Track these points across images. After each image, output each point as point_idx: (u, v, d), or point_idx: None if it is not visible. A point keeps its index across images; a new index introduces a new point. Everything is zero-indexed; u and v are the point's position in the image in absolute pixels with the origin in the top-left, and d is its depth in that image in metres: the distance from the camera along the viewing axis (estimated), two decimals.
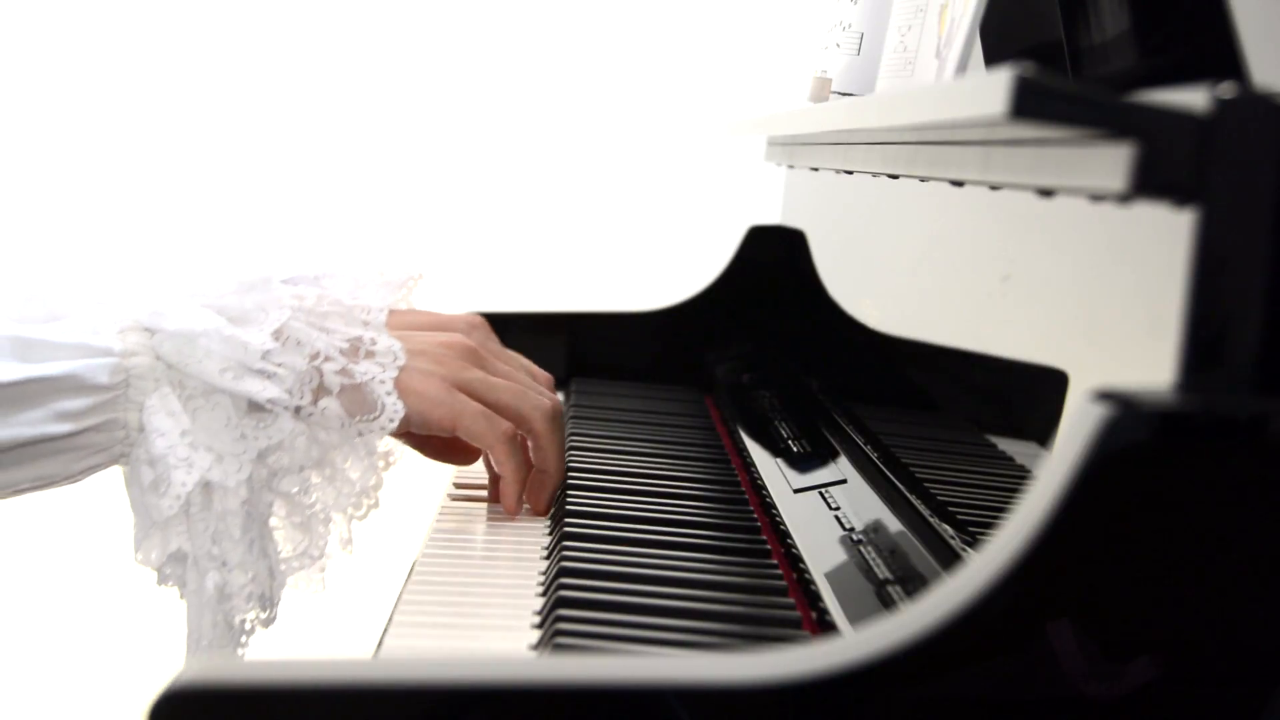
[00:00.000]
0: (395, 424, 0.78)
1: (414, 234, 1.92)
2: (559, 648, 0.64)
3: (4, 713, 1.87)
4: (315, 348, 0.76)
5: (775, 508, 0.86)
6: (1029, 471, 0.64)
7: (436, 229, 1.92)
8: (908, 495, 0.77)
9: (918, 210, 0.87)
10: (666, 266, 1.83)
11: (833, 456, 0.93)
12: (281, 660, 0.46)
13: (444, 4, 1.89)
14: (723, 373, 1.27)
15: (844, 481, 0.87)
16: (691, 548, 0.80)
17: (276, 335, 0.75)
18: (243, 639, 0.77)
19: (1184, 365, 0.46)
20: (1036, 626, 0.46)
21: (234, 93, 1.88)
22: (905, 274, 0.90)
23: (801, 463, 0.94)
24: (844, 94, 0.98)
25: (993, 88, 0.46)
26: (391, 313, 0.82)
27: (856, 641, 0.46)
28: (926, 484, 0.78)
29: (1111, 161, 0.47)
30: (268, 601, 0.77)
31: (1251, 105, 0.45)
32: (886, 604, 0.66)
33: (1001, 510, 0.64)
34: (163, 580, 0.77)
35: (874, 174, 0.91)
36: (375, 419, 0.77)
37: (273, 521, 0.79)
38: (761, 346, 1.29)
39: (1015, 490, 0.64)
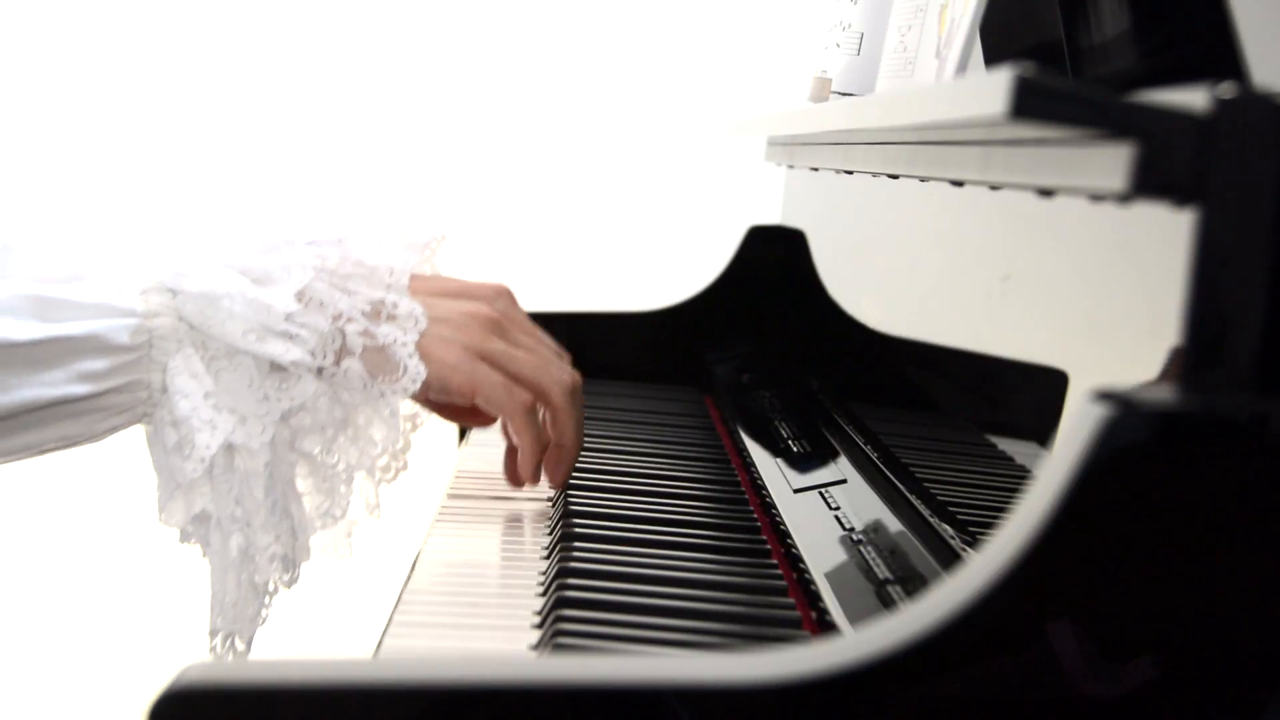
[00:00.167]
0: (417, 386, 0.77)
1: None
2: (559, 648, 0.64)
3: (4, 713, 1.87)
4: (338, 309, 0.76)
5: (775, 508, 0.86)
6: (1029, 471, 0.64)
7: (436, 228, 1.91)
8: (908, 495, 0.77)
9: (918, 210, 0.87)
10: (666, 266, 1.83)
11: (833, 456, 0.93)
12: (281, 660, 0.46)
13: (444, 4, 1.89)
14: (723, 373, 1.27)
15: (844, 481, 0.87)
16: (692, 548, 0.80)
17: (299, 296, 0.75)
18: (266, 599, 0.77)
19: (1184, 365, 0.46)
20: (1036, 626, 0.46)
21: (250, 82, 1.89)
22: (905, 274, 0.90)
23: (801, 463, 0.94)
24: (844, 94, 0.98)
25: (993, 88, 0.46)
26: (416, 278, 0.81)
27: (856, 641, 0.46)
28: (926, 484, 0.78)
29: (1111, 161, 0.47)
30: (290, 563, 0.77)
31: (1251, 105, 0.45)
32: (886, 604, 0.66)
33: (1001, 510, 0.64)
34: (185, 539, 0.77)
35: (874, 174, 0.91)
36: (398, 381, 0.77)
37: (297, 484, 0.78)
38: (761, 346, 1.30)
39: (1015, 490, 0.64)
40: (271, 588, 0.77)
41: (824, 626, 0.68)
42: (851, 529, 0.78)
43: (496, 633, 0.69)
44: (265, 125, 1.89)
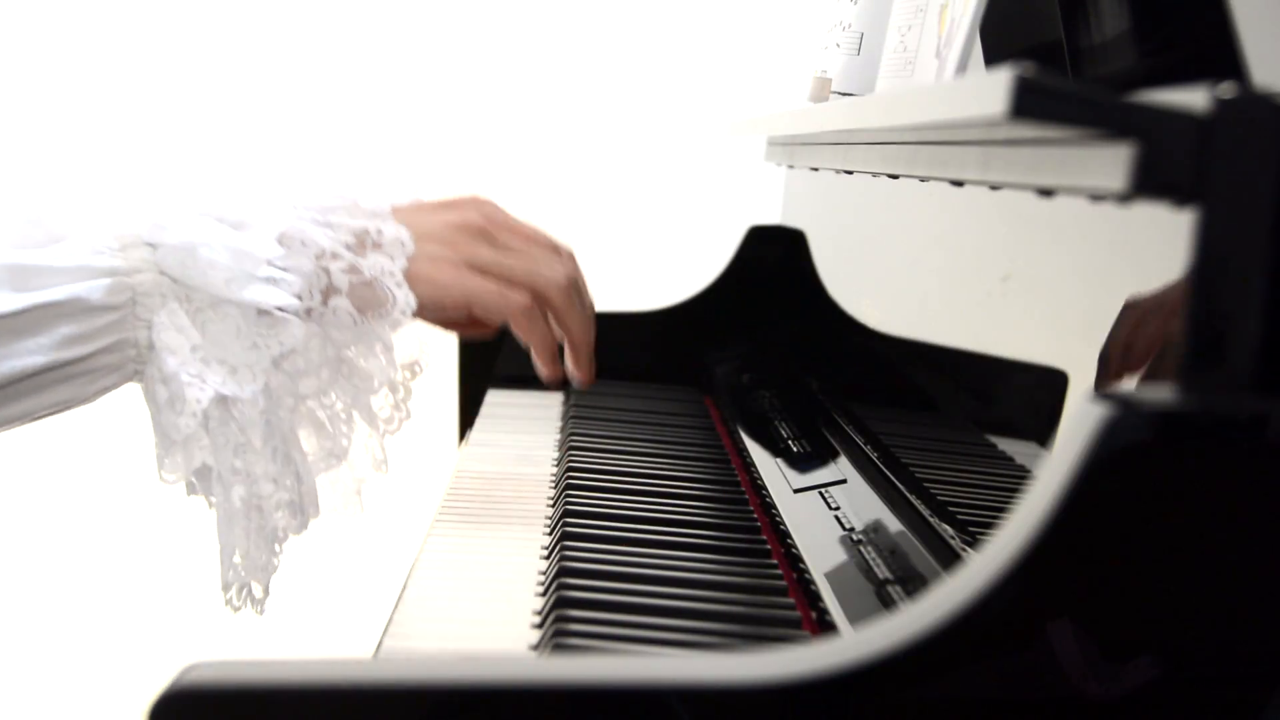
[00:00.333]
0: (408, 316, 0.76)
1: None
2: (559, 648, 0.64)
3: (4, 713, 1.87)
4: (320, 246, 0.75)
5: (775, 508, 0.86)
6: (1029, 471, 0.64)
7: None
8: (908, 495, 0.77)
9: (918, 210, 0.87)
10: (666, 266, 1.83)
11: (833, 456, 0.93)
12: (281, 660, 0.46)
13: (444, 4, 1.89)
14: (723, 373, 1.27)
15: (844, 481, 0.87)
16: (691, 548, 0.80)
17: (281, 240, 0.74)
18: (276, 547, 0.76)
19: (1184, 365, 0.46)
20: (1036, 626, 0.46)
21: (250, 82, 1.89)
22: (905, 274, 0.90)
23: (801, 463, 0.94)
24: (844, 94, 0.98)
25: (993, 88, 0.46)
26: (396, 207, 0.80)
27: (856, 641, 0.46)
28: (926, 484, 0.78)
29: (1111, 161, 0.47)
30: (298, 508, 0.76)
31: (1251, 105, 0.45)
32: (886, 604, 0.66)
33: (1001, 510, 0.64)
34: (191, 491, 0.76)
35: (874, 174, 0.91)
36: (389, 313, 0.76)
37: (297, 430, 0.78)
38: (761, 346, 1.30)
39: (1015, 490, 0.64)
40: (281, 534, 0.76)
41: (824, 627, 0.68)
42: (851, 529, 0.78)
43: (496, 633, 0.69)
44: (265, 126, 1.89)
